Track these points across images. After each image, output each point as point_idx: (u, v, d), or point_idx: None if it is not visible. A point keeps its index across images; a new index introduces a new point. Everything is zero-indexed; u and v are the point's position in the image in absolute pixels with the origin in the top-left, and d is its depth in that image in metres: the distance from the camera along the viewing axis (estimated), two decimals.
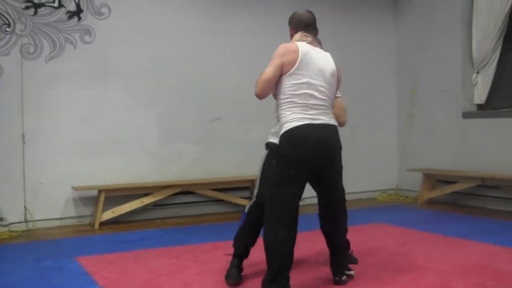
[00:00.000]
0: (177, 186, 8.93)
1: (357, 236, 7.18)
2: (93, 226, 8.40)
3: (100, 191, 8.46)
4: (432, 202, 10.14)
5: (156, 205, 9.10)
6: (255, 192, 5.39)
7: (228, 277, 5.29)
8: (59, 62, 8.45)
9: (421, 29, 10.72)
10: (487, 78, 9.63)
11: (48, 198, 8.41)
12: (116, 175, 8.82)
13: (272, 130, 5.37)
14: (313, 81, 4.84)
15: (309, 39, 5.08)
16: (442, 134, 10.34)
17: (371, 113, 11.10)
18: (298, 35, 5.11)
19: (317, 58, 4.94)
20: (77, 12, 8.56)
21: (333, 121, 4.95)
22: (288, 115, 4.78)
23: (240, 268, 5.38)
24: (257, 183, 5.41)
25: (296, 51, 4.83)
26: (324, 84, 4.90)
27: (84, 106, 8.63)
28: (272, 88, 4.88)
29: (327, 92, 4.92)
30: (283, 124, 4.82)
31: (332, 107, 5.11)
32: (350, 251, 5.97)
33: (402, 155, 11.20)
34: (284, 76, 4.82)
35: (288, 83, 4.81)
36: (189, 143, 9.25)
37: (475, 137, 9.70)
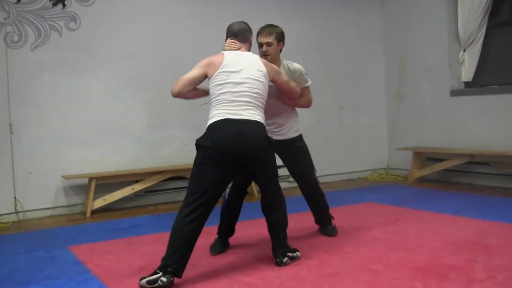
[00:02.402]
0: (168, 172, 8.92)
1: (348, 215, 7.23)
2: (84, 214, 8.38)
3: (90, 179, 8.44)
4: (422, 180, 10.18)
5: (147, 191, 9.09)
6: None
7: (211, 249, 5.85)
8: (45, 50, 8.39)
9: (407, 8, 10.71)
10: (473, 55, 9.65)
11: (38, 188, 8.38)
12: (106, 162, 8.80)
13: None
14: (237, 80, 5.12)
15: (237, 46, 5.44)
16: (430, 112, 10.38)
17: (360, 93, 11.12)
18: (227, 42, 5.54)
19: (241, 61, 5.24)
20: None
21: (256, 118, 5.10)
22: (211, 112, 5.13)
23: (225, 243, 5.96)
24: None
25: (221, 57, 5.25)
26: (249, 83, 5.14)
27: (71, 94, 8.58)
28: (189, 90, 5.31)
29: (253, 91, 5.14)
30: (207, 121, 5.11)
31: (301, 95, 5.91)
32: (333, 224, 6.38)
33: (391, 135, 11.22)
34: (210, 79, 5.22)
35: (213, 85, 5.18)
36: (178, 128, 9.23)
37: (463, 115, 9.73)
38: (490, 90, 9.41)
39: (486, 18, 9.45)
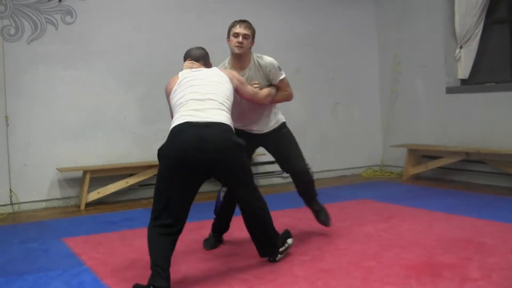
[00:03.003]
0: None
1: (342, 212, 7.23)
2: (79, 207, 8.41)
3: (85, 172, 8.45)
4: (417, 177, 10.17)
5: (141, 185, 9.10)
6: None
7: (205, 244, 5.87)
8: (41, 44, 8.41)
9: (403, 4, 10.70)
10: (470, 53, 9.63)
11: (33, 180, 8.40)
12: (100, 156, 8.82)
13: None
14: (198, 84, 5.00)
15: (195, 65, 5.36)
16: (426, 109, 10.37)
17: (354, 90, 11.10)
18: (185, 63, 5.49)
19: (199, 72, 5.18)
20: None
21: (221, 119, 4.79)
22: (174, 116, 5.02)
23: (218, 239, 5.97)
24: None
25: (175, 78, 5.17)
26: (211, 85, 5.00)
27: (67, 87, 8.60)
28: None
29: (216, 92, 4.96)
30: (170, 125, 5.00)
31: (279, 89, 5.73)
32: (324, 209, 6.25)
33: (386, 131, 11.22)
34: (171, 97, 5.12)
35: (174, 100, 5.05)
36: (170, 122, 9.20)
37: (459, 112, 9.72)
38: (487, 87, 9.40)
39: (484, 15, 9.42)
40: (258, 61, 5.62)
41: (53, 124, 8.50)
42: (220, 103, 4.89)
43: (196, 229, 6.45)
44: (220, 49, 9.35)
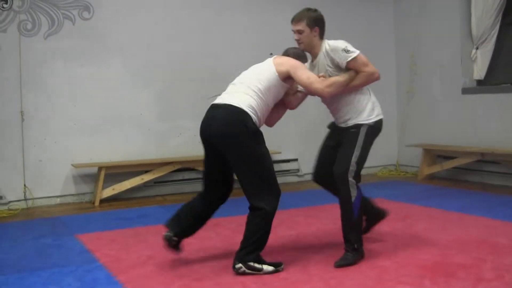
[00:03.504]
0: (177, 163, 8.93)
1: None
2: (93, 203, 8.43)
3: (100, 168, 8.47)
4: (432, 177, 10.14)
5: (156, 182, 9.10)
6: None
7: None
8: (58, 39, 8.43)
9: (420, 5, 10.67)
10: (486, 53, 9.59)
11: (48, 175, 8.43)
12: (116, 152, 8.83)
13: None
14: (241, 75, 5.16)
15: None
16: (441, 109, 10.33)
17: (370, 89, 11.03)
18: None
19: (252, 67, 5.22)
20: None
21: (234, 101, 4.84)
22: None
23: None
24: None
25: None
26: (246, 74, 5.12)
27: (83, 83, 8.62)
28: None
29: (247, 77, 5.06)
30: None
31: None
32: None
33: (402, 131, 11.18)
34: None
35: None
36: (188, 119, 9.18)
37: (475, 113, 9.68)
38: (502, 88, 9.36)
39: (500, 17, 9.39)
40: (326, 48, 5.31)
41: (68, 120, 8.52)
42: (247, 86, 4.92)
43: (210, 226, 6.45)
44: (242, 46, 9.40)
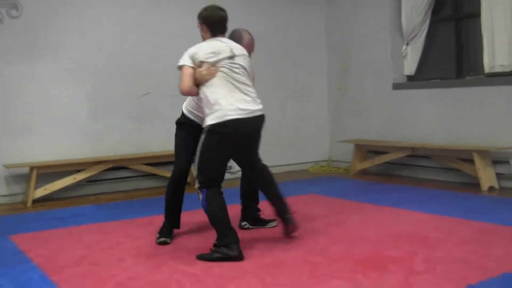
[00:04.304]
0: (109, 162, 8.86)
1: (290, 207, 7.22)
2: (25, 204, 8.30)
3: (31, 168, 8.34)
4: (364, 173, 10.25)
5: (89, 181, 9.01)
6: None
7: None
8: None
9: (351, 1, 10.77)
10: (416, 49, 9.74)
11: None
12: (48, 152, 8.69)
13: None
14: None
15: None
16: (373, 105, 10.45)
17: (302, 87, 11.11)
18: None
19: None
20: None
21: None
22: None
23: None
24: None
25: None
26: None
27: (14, 82, 8.47)
28: None
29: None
30: None
31: None
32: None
33: (333, 127, 11.27)
34: None
35: None
36: (120, 118, 9.12)
37: (406, 108, 9.82)
38: (432, 84, 9.51)
39: (429, 13, 9.54)
40: None
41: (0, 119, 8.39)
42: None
43: (144, 224, 6.44)
44: (175, 43, 9.34)
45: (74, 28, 8.89)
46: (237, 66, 5.34)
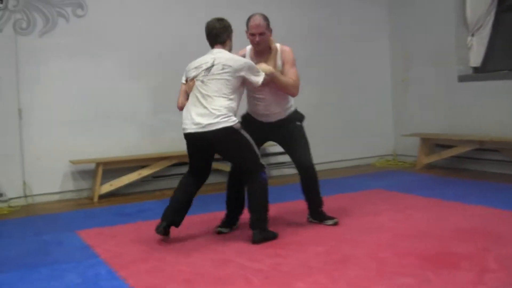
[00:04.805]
0: (174, 157, 8.92)
1: (355, 203, 7.20)
2: (92, 199, 8.43)
3: (97, 164, 8.46)
4: (430, 167, 10.13)
5: (154, 176, 9.10)
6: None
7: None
8: (52, 37, 8.43)
9: None
10: (482, 40, 9.58)
11: (47, 172, 8.43)
12: (112, 147, 8.81)
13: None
14: None
15: None
16: (438, 98, 10.31)
17: (365, 79, 11.00)
18: None
19: None
20: None
21: None
22: None
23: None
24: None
25: None
26: None
27: (78, 80, 8.61)
28: None
29: None
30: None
31: None
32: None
33: (398, 120, 11.17)
34: None
35: None
36: (180, 114, 9.19)
37: (472, 101, 9.67)
38: (499, 75, 9.35)
39: (495, 3, 9.38)
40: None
41: (65, 116, 8.51)
42: None
43: (210, 220, 6.47)
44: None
45: (136, 26, 8.99)
46: (210, 77, 5.51)
